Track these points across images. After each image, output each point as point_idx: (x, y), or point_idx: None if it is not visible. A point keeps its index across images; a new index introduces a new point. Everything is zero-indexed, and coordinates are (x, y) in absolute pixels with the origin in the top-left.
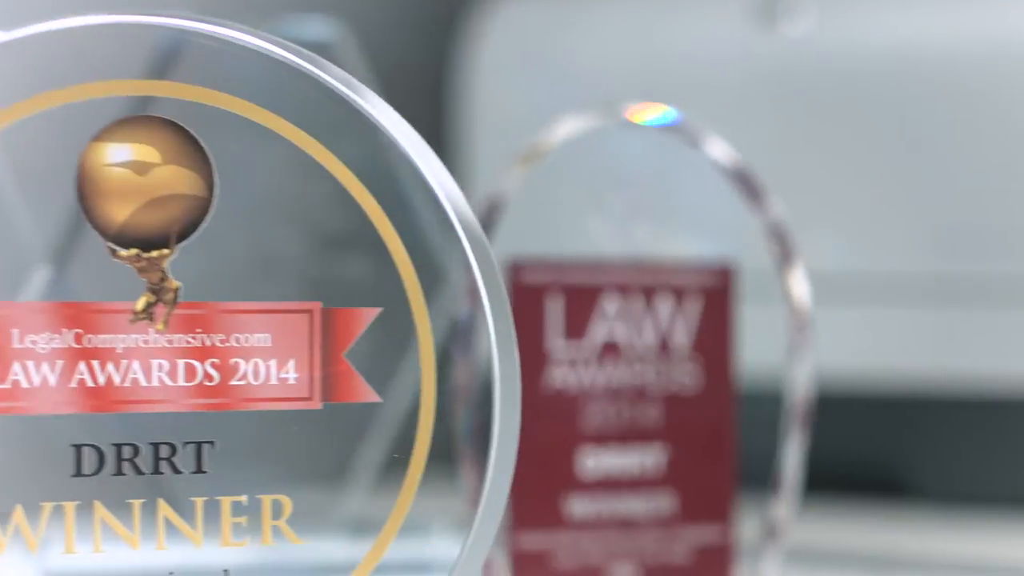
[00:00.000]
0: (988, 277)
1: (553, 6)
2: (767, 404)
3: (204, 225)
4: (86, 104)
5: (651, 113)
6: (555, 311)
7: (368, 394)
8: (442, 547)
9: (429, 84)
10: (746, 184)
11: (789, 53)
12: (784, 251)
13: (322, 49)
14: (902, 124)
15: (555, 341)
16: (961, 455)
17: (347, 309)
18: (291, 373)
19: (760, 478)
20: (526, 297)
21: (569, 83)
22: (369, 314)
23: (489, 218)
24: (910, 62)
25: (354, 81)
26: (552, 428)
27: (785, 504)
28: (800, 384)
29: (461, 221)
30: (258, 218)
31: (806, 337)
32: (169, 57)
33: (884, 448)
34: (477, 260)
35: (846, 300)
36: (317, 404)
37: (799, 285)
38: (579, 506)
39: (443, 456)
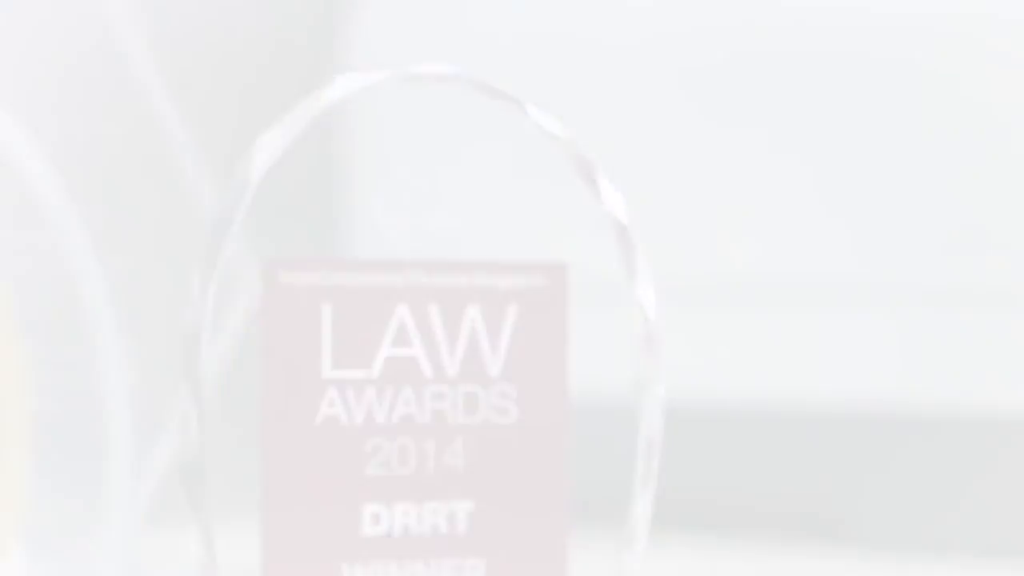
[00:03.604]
0: (939, 281)
1: None
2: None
3: None
4: None
5: (446, 73)
6: (327, 324)
7: None
8: None
9: (312, 57)
10: (576, 164)
11: (709, 17)
12: (624, 247)
13: None
14: (833, 105)
15: (326, 363)
16: (909, 493)
17: None
18: None
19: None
20: (287, 305)
21: (462, 54)
22: None
23: (233, 200)
24: (846, 28)
25: None
26: (323, 474)
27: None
28: (648, 407)
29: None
30: None
31: (654, 352)
32: None
33: (813, 483)
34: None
35: (772, 305)
36: None
37: (643, 288)
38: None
39: None
